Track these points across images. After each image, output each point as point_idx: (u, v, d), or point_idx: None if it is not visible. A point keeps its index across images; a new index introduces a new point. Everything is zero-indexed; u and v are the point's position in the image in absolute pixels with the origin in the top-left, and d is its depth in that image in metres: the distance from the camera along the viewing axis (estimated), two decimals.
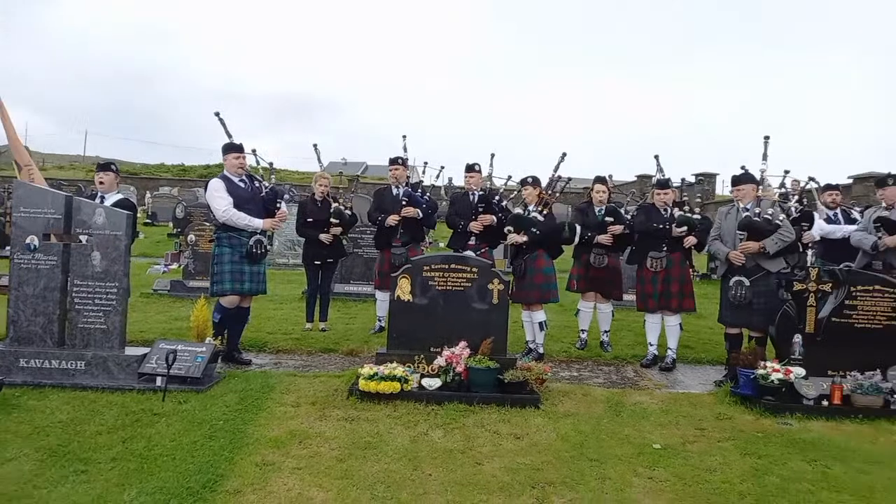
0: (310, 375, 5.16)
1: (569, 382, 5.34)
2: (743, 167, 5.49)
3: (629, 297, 7.70)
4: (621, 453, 3.74)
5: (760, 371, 4.66)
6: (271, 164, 6.29)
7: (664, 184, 6.05)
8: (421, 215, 6.57)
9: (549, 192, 6.22)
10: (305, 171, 32.14)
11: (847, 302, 4.89)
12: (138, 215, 14.63)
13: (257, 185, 5.58)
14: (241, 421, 4.03)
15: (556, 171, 6.23)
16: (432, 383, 4.62)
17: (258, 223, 5.39)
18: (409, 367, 4.74)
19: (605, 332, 6.61)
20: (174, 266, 11.72)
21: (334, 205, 6.81)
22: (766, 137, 5.54)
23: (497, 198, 6.49)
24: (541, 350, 6.04)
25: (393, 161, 6.73)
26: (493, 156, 6.77)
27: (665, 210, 5.93)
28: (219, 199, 5.30)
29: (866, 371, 4.73)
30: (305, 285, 7.34)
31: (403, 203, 6.50)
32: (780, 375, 4.60)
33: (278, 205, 5.60)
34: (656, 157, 6.16)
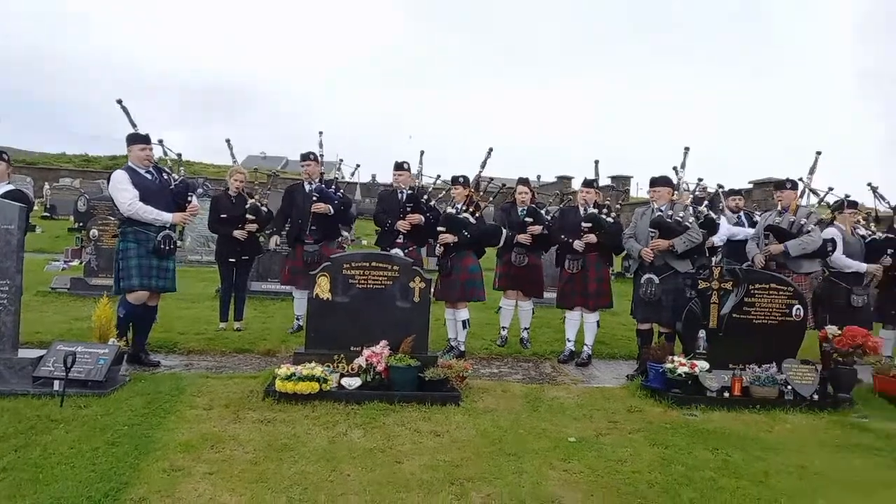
0: (224, 377, 4.97)
1: (489, 379, 5.41)
2: (675, 168, 5.76)
3: (550, 294, 7.89)
4: (538, 447, 3.82)
5: (668, 365, 4.89)
6: (179, 155, 5.99)
7: (589, 182, 6.24)
8: (332, 212, 6.46)
9: (478, 191, 6.27)
10: (222, 164, 30.91)
11: (746, 299, 5.21)
12: (35, 208, 13.66)
13: (166, 177, 5.31)
14: (148, 425, 3.83)
15: (482, 167, 6.28)
16: (352, 383, 4.55)
17: (167, 217, 5.13)
18: (329, 366, 4.65)
19: (526, 329, 6.75)
20: (75, 263, 11.01)
21: (250, 201, 6.60)
22: (686, 148, 5.83)
23: (426, 197, 6.48)
24: (462, 348, 6.09)
25: (305, 157, 6.59)
26: (422, 153, 6.75)
27: (585, 208, 6.11)
28: (123, 191, 5.01)
29: (763, 364, 5.05)
30: (219, 283, 7.06)
31: (314, 199, 6.38)
32: (685, 369, 4.84)
33: (189, 198, 5.35)
34: (596, 162, 6.34)
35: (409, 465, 3.48)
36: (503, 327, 6.72)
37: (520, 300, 6.64)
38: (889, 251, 6.14)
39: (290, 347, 5.89)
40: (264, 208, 6.71)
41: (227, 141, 6.73)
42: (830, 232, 6.08)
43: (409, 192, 6.37)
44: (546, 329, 7.43)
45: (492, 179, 6.76)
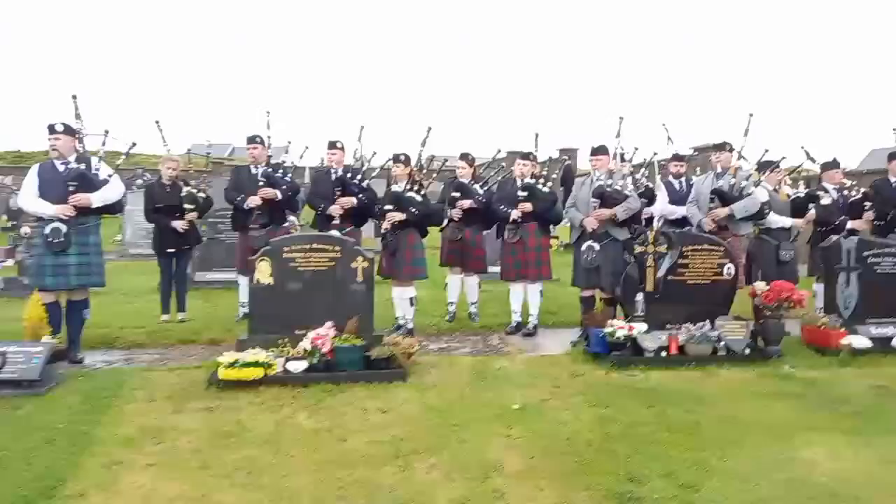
0: (165, 369, 4.89)
1: (437, 354, 5.46)
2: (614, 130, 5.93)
3: (495, 268, 7.95)
4: (482, 416, 3.90)
5: (608, 329, 5.04)
6: (134, 144, 5.52)
7: (525, 155, 6.30)
8: (280, 197, 6.36)
9: (420, 170, 6.25)
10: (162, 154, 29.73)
11: (680, 261, 5.39)
12: None
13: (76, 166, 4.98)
14: (87, 422, 3.76)
15: (422, 146, 6.24)
16: (298, 366, 4.54)
17: (49, 209, 4.81)
18: (273, 351, 4.63)
19: (473, 303, 6.82)
20: (8, 262, 10.54)
21: (186, 188, 6.43)
22: (621, 118, 5.98)
23: (359, 176, 6.42)
24: (410, 325, 6.12)
25: (251, 140, 6.45)
26: (362, 128, 6.64)
27: (522, 180, 6.17)
28: (24, 185, 4.93)
29: (698, 322, 5.25)
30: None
31: (261, 184, 6.28)
32: (624, 332, 5.00)
33: (70, 187, 4.88)
34: (536, 135, 6.45)
35: (355, 442, 3.52)
36: (450, 303, 6.77)
37: (465, 275, 6.71)
38: (810, 205, 6.43)
39: (235, 336, 5.77)
40: (202, 195, 6.55)
41: (157, 122, 6.41)
42: (762, 193, 6.29)
43: (340, 173, 6.32)
44: (494, 302, 7.51)
45: (433, 157, 6.72)
